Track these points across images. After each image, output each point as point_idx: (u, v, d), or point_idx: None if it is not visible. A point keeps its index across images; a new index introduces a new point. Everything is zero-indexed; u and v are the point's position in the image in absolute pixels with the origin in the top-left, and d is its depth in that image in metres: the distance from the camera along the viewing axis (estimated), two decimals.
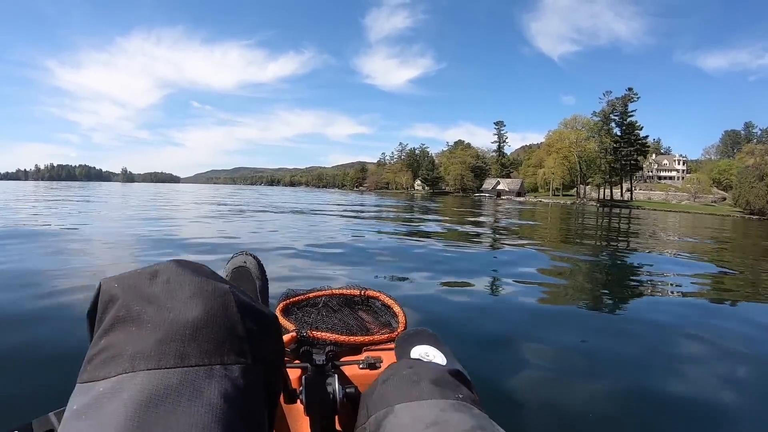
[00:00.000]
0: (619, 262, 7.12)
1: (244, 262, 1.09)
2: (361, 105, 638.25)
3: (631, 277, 5.80)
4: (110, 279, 0.58)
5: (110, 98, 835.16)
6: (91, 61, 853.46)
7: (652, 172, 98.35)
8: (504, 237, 10.12)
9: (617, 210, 49.52)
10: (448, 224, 13.25)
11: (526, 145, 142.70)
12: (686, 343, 2.96)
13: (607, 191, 78.87)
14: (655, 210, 60.12)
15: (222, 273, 1.04)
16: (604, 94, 77.38)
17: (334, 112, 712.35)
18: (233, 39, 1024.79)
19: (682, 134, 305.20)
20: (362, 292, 1.48)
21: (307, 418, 0.93)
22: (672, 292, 4.75)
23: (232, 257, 1.13)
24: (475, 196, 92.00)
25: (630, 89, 75.58)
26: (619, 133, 76.65)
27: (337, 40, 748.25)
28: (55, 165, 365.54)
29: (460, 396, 0.70)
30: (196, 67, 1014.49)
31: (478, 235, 10.26)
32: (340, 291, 1.49)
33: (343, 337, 1.19)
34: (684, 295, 4.58)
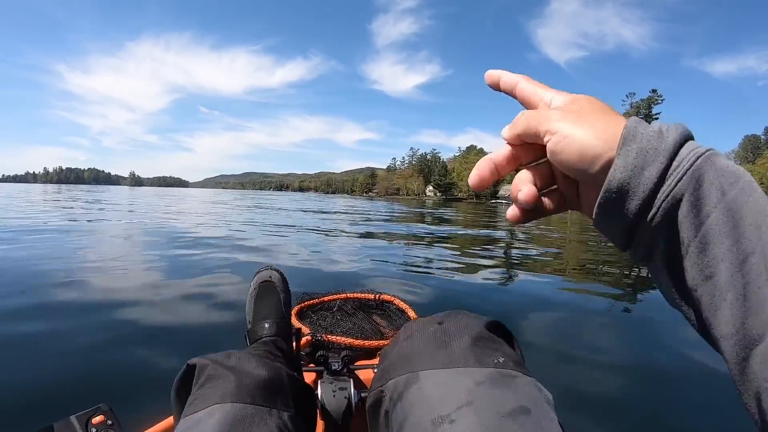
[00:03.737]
0: None
1: (270, 276, 1.13)
2: (369, 111, 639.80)
3: None
4: (198, 357, 0.78)
5: (119, 102, 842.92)
6: (100, 66, 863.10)
7: None
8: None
9: None
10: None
11: None
12: None
13: None
14: None
15: (249, 287, 1.14)
16: (627, 96, 75.21)
17: (341, 118, 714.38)
18: (241, 45, 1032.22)
19: (696, 140, 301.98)
20: (377, 296, 1.51)
21: (323, 421, 0.94)
22: None
23: (258, 272, 1.16)
24: (492, 202, 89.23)
25: (654, 91, 73.12)
26: None
27: (344, 46, 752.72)
28: (63, 168, 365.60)
29: (501, 359, 0.62)
30: (204, 73, 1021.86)
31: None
32: (355, 295, 1.53)
33: (357, 342, 1.21)
34: None
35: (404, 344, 0.70)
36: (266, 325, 0.99)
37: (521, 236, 13.77)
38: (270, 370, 0.77)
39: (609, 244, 10.70)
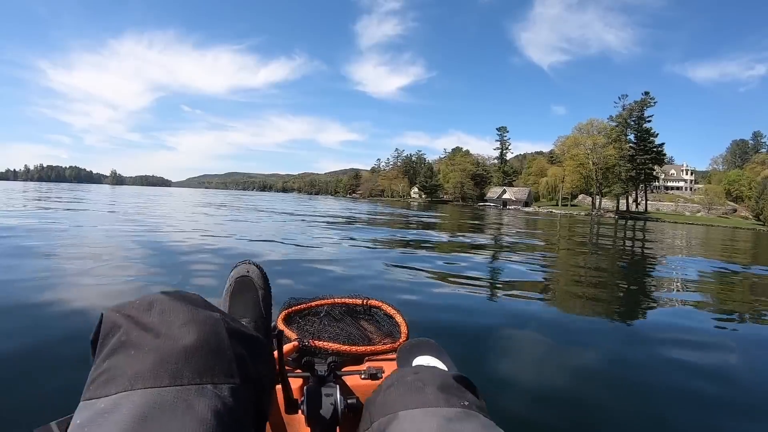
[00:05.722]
0: None
1: (247, 271, 1.07)
2: (353, 112, 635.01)
3: None
4: (112, 309, 0.63)
5: (102, 100, 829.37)
6: (83, 63, 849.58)
7: (659, 182, 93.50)
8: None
9: (633, 222, 44.36)
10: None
11: (519, 155, 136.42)
12: None
13: (621, 201, 73.60)
14: (676, 222, 55.79)
15: (225, 283, 1.08)
16: (619, 98, 73.10)
17: (325, 119, 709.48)
18: (224, 43, 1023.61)
19: (680, 144, 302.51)
20: (364, 301, 1.49)
21: (308, 428, 0.93)
22: None
23: (234, 266, 1.11)
24: (479, 205, 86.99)
25: (646, 93, 70.86)
26: (633, 140, 71.59)
27: (328, 46, 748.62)
28: (44, 166, 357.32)
29: (466, 403, 0.70)
30: (187, 71, 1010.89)
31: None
32: (342, 300, 1.51)
33: (345, 347, 1.19)
34: None
35: (387, 392, 0.75)
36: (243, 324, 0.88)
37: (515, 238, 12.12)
38: (203, 328, 0.62)
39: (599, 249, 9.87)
